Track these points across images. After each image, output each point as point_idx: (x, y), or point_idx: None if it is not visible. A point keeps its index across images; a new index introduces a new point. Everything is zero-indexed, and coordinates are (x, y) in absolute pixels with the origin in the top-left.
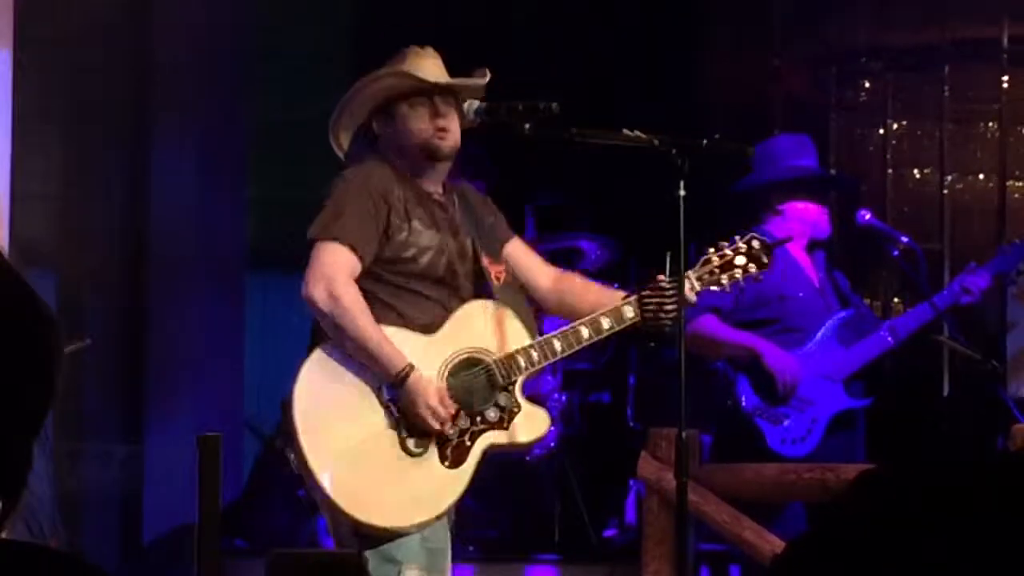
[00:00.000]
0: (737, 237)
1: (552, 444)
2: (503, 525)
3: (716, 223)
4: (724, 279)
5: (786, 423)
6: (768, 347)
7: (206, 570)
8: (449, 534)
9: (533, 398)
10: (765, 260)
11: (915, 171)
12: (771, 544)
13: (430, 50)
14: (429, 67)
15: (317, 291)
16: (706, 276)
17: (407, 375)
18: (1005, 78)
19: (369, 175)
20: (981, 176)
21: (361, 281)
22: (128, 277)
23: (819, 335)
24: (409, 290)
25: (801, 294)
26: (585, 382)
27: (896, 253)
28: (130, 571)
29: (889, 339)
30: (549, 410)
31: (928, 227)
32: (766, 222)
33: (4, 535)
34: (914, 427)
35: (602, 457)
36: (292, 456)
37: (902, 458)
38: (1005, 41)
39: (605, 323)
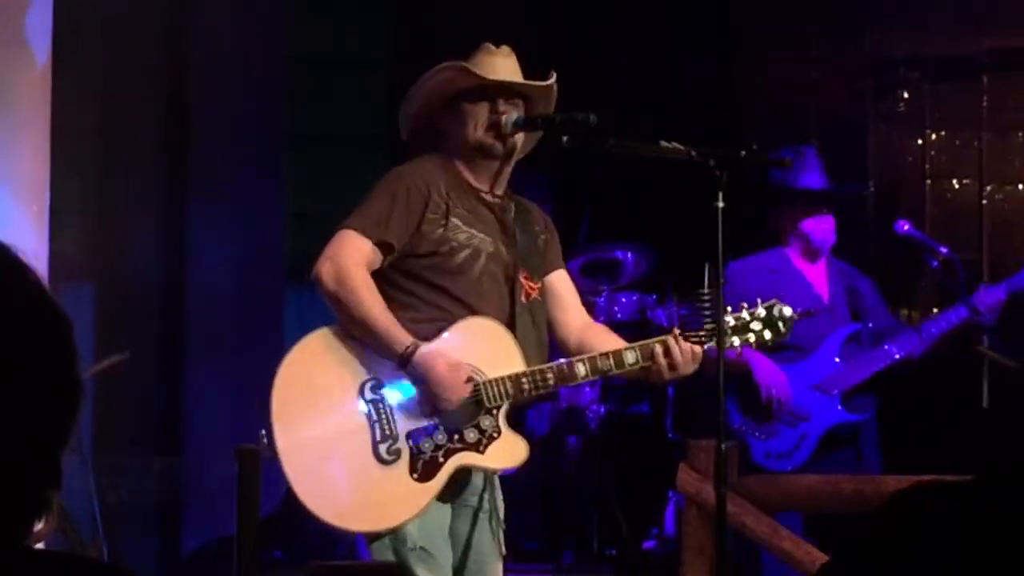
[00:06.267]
0: (759, 300)
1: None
2: (541, 535)
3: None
4: (736, 341)
5: (773, 438)
6: (761, 362)
7: None
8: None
9: (572, 409)
10: (783, 330)
11: (954, 181)
12: (809, 555)
13: (505, 48)
14: (498, 65)
15: (324, 269)
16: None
17: (413, 351)
18: None
19: (414, 169)
20: (1020, 186)
21: (391, 274)
22: (165, 292)
23: (820, 349)
24: (438, 287)
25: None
26: (624, 393)
27: (935, 264)
28: None
29: (896, 355)
30: (588, 421)
31: (967, 237)
32: (781, 233)
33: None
34: (953, 440)
35: (641, 468)
36: (264, 436)
37: (938, 474)
38: None
39: (602, 364)
